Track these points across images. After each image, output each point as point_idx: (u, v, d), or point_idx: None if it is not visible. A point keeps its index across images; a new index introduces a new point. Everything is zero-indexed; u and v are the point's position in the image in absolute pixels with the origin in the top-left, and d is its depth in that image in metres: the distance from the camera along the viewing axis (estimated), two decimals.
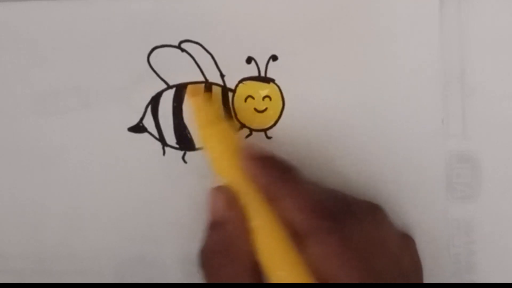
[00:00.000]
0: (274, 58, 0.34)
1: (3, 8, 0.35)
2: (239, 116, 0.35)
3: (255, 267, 0.30)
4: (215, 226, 0.31)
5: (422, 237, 0.34)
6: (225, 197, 0.31)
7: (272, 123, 0.35)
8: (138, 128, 0.35)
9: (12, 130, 0.35)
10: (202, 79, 0.35)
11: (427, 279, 0.33)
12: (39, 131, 0.35)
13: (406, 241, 0.33)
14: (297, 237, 0.29)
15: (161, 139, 0.35)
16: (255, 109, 0.35)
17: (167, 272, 0.35)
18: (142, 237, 0.35)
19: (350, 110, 0.34)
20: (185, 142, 0.35)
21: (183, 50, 0.35)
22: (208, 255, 0.31)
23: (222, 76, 0.35)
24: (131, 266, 0.35)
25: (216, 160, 0.32)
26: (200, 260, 0.31)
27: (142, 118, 0.35)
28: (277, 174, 0.31)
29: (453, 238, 0.34)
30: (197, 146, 0.35)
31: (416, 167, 0.34)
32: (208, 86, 0.35)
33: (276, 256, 0.30)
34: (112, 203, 0.35)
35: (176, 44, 0.34)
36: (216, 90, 0.35)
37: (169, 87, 0.35)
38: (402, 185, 0.34)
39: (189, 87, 0.34)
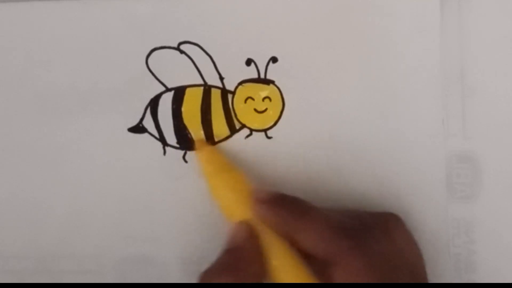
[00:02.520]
0: (274, 60, 0.34)
1: (3, 8, 0.35)
2: (239, 116, 0.35)
3: None
4: (232, 251, 0.31)
5: (422, 237, 0.34)
6: (249, 229, 0.31)
7: (272, 123, 0.35)
8: (138, 128, 0.35)
9: (12, 131, 0.35)
10: (201, 81, 0.35)
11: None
12: (39, 131, 0.35)
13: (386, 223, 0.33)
14: (322, 266, 0.29)
15: (162, 139, 0.35)
16: (255, 109, 0.35)
17: (167, 272, 0.35)
18: (142, 237, 0.35)
19: (350, 110, 0.34)
20: (185, 142, 0.35)
21: (182, 51, 0.34)
22: (215, 274, 0.30)
23: (221, 78, 0.34)
24: (131, 265, 0.35)
25: (227, 208, 0.32)
26: (203, 279, 0.30)
27: (142, 119, 0.35)
28: (289, 210, 0.31)
29: (453, 238, 0.34)
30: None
31: (416, 167, 0.34)
32: (207, 89, 0.35)
33: None
34: (113, 203, 0.35)
35: (175, 45, 0.35)
36: (215, 93, 0.35)
37: (167, 89, 0.35)
38: (402, 185, 0.34)
39: (196, 142, 0.35)
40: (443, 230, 0.34)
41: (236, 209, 0.32)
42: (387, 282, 0.28)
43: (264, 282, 0.30)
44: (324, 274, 0.29)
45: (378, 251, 0.29)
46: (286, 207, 0.31)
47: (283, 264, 0.30)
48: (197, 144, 0.35)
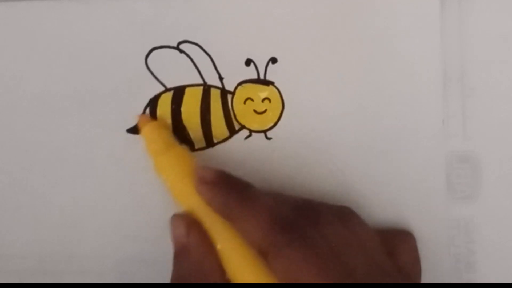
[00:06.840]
0: (273, 60, 0.34)
1: (3, 8, 0.35)
2: (238, 117, 0.35)
3: None
4: (180, 254, 0.31)
5: (422, 237, 0.34)
6: (185, 223, 0.31)
7: (271, 124, 0.35)
8: (137, 129, 0.35)
9: (11, 131, 0.35)
10: (201, 81, 0.35)
11: (427, 279, 0.33)
12: (38, 132, 0.35)
13: (394, 238, 0.33)
14: (261, 255, 0.29)
15: None
16: (254, 110, 0.35)
17: (167, 272, 0.35)
18: (142, 237, 0.35)
19: (350, 111, 0.34)
20: (185, 143, 0.35)
21: (181, 51, 0.34)
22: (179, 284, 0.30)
23: (221, 78, 0.34)
24: (131, 265, 0.35)
25: (172, 187, 0.32)
26: None
27: None
28: (232, 195, 0.30)
29: (453, 238, 0.34)
30: (196, 146, 0.35)
31: (416, 167, 0.34)
32: (206, 88, 0.35)
33: (247, 275, 0.29)
34: (112, 203, 0.35)
35: (175, 45, 0.34)
36: (215, 92, 0.35)
37: (167, 89, 0.35)
38: (402, 185, 0.34)
39: (140, 118, 0.34)
40: (443, 230, 0.34)
41: (182, 189, 0.32)
42: (334, 269, 0.28)
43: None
44: (265, 261, 0.29)
45: (321, 242, 0.28)
46: (229, 189, 0.31)
47: (227, 247, 0.30)
48: (140, 120, 0.34)
